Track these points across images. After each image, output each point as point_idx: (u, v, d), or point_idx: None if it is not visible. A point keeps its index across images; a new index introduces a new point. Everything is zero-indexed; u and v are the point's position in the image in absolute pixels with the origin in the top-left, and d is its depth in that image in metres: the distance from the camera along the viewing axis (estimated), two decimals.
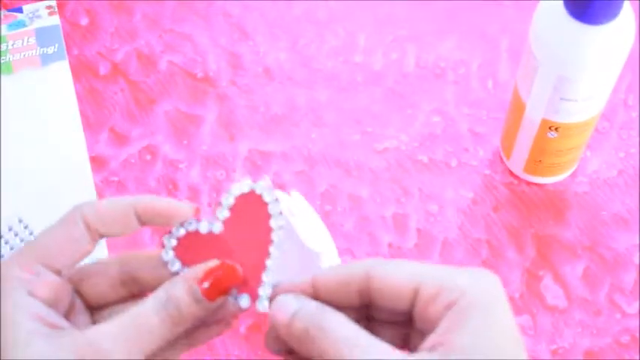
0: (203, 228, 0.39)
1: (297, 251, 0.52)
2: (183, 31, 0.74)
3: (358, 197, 0.66)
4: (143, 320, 0.36)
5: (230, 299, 0.39)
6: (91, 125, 0.69)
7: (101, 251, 0.64)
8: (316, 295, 0.38)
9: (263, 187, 0.40)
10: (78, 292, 0.40)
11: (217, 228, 0.40)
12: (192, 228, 0.39)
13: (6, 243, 0.64)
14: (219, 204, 0.40)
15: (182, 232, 0.39)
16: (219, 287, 0.38)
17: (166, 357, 0.40)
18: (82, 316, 0.39)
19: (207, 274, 0.38)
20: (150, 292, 0.39)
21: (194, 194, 0.66)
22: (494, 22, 0.74)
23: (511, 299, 0.62)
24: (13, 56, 0.72)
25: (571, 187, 0.66)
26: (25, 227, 0.65)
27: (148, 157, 0.68)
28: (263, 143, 0.68)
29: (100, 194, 0.66)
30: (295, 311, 0.36)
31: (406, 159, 0.68)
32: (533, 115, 0.59)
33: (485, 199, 0.66)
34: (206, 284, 0.38)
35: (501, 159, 0.67)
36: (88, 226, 0.38)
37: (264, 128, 0.69)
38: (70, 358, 0.35)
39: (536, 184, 0.66)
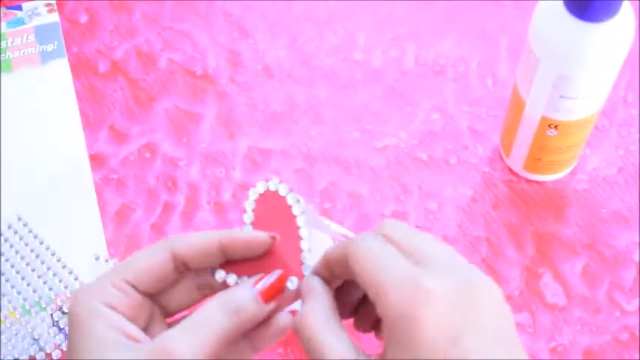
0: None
1: (324, 232, 0.55)
2: (182, 28, 0.74)
3: (358, 195, 0.66)
4: (209, 319, 0.40)
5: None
6: (90, 123, 0.69)
7: (102, 251, 0.64)
8: (331, 272, 0.42)
9: (275, 183, 0.44)
10: (156, 302, 0.44)
11: (248, 230, 0.44)
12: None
13: (5, 241, 0.64)
14: (244, 210, 0.44)
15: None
16: (274, 291, 0.43)
17: None
18: (160, 325, 0.44)
19: (269, 288, 0.42)
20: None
21: (193, 192, 0.66)
22: (493, 20, 0.74)
23: (510, 297, 0.62)
24: (13, 54, 0.72)
25: (571, 184, 0.66)
26: (25, 225, 0.65)
27: (148, 154, 0.68)
28: (262, 141, 0.68)
29: (100, 192, 0.66)
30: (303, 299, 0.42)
31: (405, 157, 0.68)
32: (533, 112, 0.59)
33: (485, 197, 0.66)
34: (267, 297, 0.42)
35: (501, 157, 0.67)
36: (174, 257, 0.43)
37: (264, 126, 0.69)
38: None
39: (535, 181, 0.66)
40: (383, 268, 0.38)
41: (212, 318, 0.41)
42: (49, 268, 0.63)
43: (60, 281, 0.62)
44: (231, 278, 0.43)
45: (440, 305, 0.37)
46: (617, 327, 0.61)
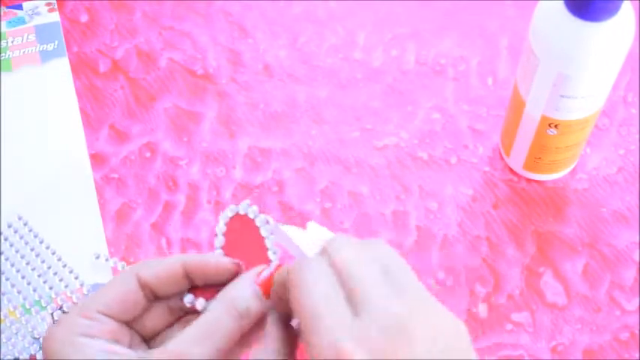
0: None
1: (293, 252, 0.55)
2: (183, 28, 0.74)
3: (358, 194, 0.66)
4: (216, 321, 0.41)
5: None
6: (90, 122, 0.69)
7: (102, 251, 0.64)
8: (279, 297, 0.42)
9: (245, 207, 0.45)
10: (131, 327, 0.44)
11: (218, 254, 0.45)
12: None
13: (6, 240, 0.64)
14: (215, 234, 0.45)
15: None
16: (270, 285, 0.43)
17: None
18: (142, 347, 0.44)
19: (268, 280, 0.42)
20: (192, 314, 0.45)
21: (194, 191, 0.66)
22: (494, 19, 0.74)
23: (511, 296, 0.62)
24: (13, 53, 0.72)
25: (571, 184, 0.66)
26: (25, 224, 0.65)
27: (148, 154, 0.68)
28: (263, 140, 0.68)
29: (100, 191, 0.66)
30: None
31: (406, 156, 0.68)
32: (533, 112, 0.59)
33: (485, 197, 0.66)
34: (266, 288, 0.42)
35: (501, 156, 0.67)
36: (142, 286, 0.43)
37: (264, 125, 0.69)
38: None
39: (535, 181, 0.66)
40: (315, 314, 0.37)
41: (218, 318, 0.41)
42: (49, 267, 0.63)
43: (60, 280, 0.62)
44: (200, 303, 0.43)
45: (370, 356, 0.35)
46: (617, 326, 0.61)
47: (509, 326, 0.61)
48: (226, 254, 0.45)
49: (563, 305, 0.62)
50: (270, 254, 0.44)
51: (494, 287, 0.62)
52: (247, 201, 0.45)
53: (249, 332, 0.44)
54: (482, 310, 0.62)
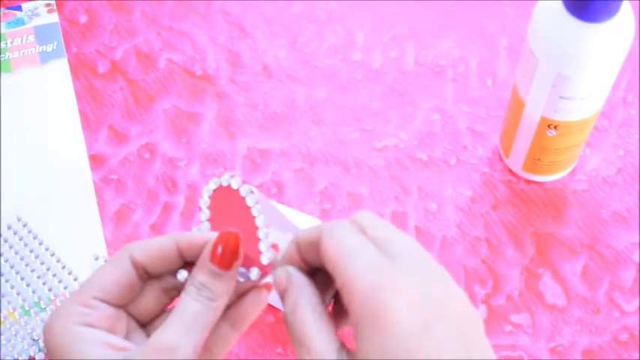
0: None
1: (280, 224, 0.55)
2: (182, 29, 0.74)
3: (357, 195, 0.66)
4: (187, 310, 0.41)
5: (241, 278, 0.43)
6: (90, 123, 0.69)
7: (101, 252, 0.64)
8: (302, 257, 0.42)
9: (227, 178, 0.44)
10: (127, 312, 0.44)
11: (205, 227, 0.44)
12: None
13: (5, 241, 0.64)
14: (200, 208, 0.44)
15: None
16: (228, 253, 0.42)
17: (220, 349, 0.44)
18: (139, 334, 0.44)
19: (214, 249, 0.42)
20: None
21: (193, 192, 0.66)
22: (493, 20, 0.74)
23: (510, 297, 0.62)
24: (12, 54, 0.72)
25: (570, 185, 0.66)
26: (24, 225, 0.65)
27: (147, 155, 0.68)
28: (262, 141, 0.68)
29: (99, 192, 0.66)
30: (285, 288, 0.41)
31: (405, 157, 0.68)
32: (532, 113, 0.59)
33: (484, 197, 0.66)
34: (217, 258, 0.42)
35: (500, 157, 0.67)
36: (135, 265, 0.43)
37: (263, 126, 0.69)
38: None
39: (535, 182, 0.66)
40: (352, 254, 0.38)
41: (190, 308, 0.41)
42: (48, 269, 0.63)
43: (59, 282, 0.62)
44: (181, 274, 0.43)
45: (409, 294, 0.36)
46: (616, 327, 0.61)
47: (508, 327, 0.61)
48: (213, 227, 0.45)
49: (562, 306, 0.62)
50: (257, 221, 0.43)
51: (494, 288, 0.62)
52: (228, 173, 0.45)
53: (228, 316, 0.44)
54: (481, 311, 0.62)
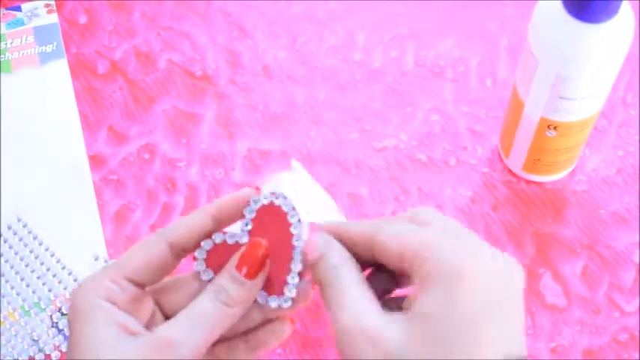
0: (229, 240, 0.43)
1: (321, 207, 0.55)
2: (181, 29, 0.74)
3: (357, 196, 0.66)
4: (201, 310, 0.41)
5: (261, 301, 0.43)
6: (89, 124, 0.69)
7: (101, 252, 0.64)
8: (350, 250, 0.42)
9: (281, 197, 0.44)
10: (158, 303, 0.44)
11: (244, 239, 0.43)
12: (219, 240, 0.43)
13: (5, 242, 0.64)
14: (243, 216, 0.44)
15: (210, 244, 0.43)
16: (254, 261, 0.42)
17: None
18: (160, 323, 0.44)
19: (242, 259, 0.42)
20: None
21: (193, 193, 0.66)
22: (493, 20, 0.74)
23: None
24: (12, 55, 0.72)
25: (570, 185, 0.66)
26: (24, 226, 0.65)
27: (147, 155, 0.68)
28: (262, 142, 0.68)
29: (99, 193, 0.66)
30: (320, 256, 0.41)
31: (405, 158, 0.68)
32: (532, 113, 0.59)
33: (484, 198, 0.66)
34: (243, 268, 0.42)
35: (500, 157, 0.67)
36: (171, 246, 0.43)
37: (263, 127, 0.69)
38: (142, 354, 0.40)
39: (535, 182, 0.66)
40: (421, 234, 0.39)
41: (204, 308, 0.41)
42: (48, 269, 0.63)
43: (59, 282, 0.62)
44: (208, 274, 0.43)
45: (487, 266, 0.38)
46: (616, 328, 0.61)
47: None
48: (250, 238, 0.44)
49: (562, 307, 0.62)
50: (294, 253, 0.43)
51: None
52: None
53: (248, 337, 0.44)
54: None
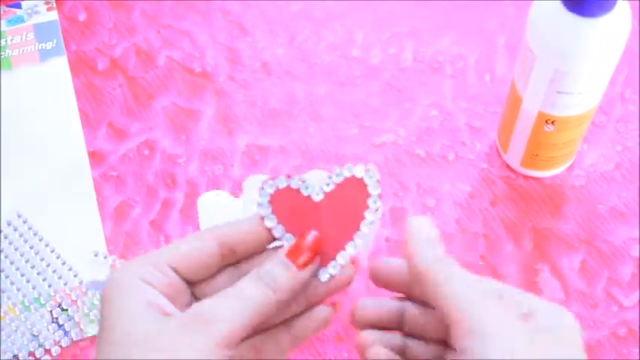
0: (294, 184, 0.43)
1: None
2: (181, 26, 0.74)
3: None
4: (240, 288, 0.41)
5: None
6: (89, 121, 0.69)
7: (101, 248, 0.64)
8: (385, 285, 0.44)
9: (372, 178, 0.42)
10: (195, 295, 0.44)
11: (318, 196, 0.43)
12: (282, 185, 0.43)
13: (5, 238, 0.64)
14: (330, 177, 0.43)
15: (273, 188, 0.43)
16: (307, 253, 0.42)
17: (271, 353, 0.44)
18: None
19: (295, 248, 0.42)
20: (245, 259, 0.44)
21: (192, 189, 0.66)
22: (491, 16, 0.74)
23: None
24: (12, 52, 0.72)
25: (568, 180, 0.66)
26: (24, 222, 0.65)
27: (147, 152, 0.68)
28: (261, 138, 0.69)
29: (99, 189, 0.66)
30: (427, 252, 0.41)
31: (403, 153, 0.68)
32: (530, 108, 0.59)
33: (483, 193, 0.66)
34: (296, 258, 0.42)
35: (498, 153, 0.67)
36: (221, 245, 0.43)
37: (262, 123, 0.69)
38: (181, 326, 0.39)
39: (533, 177, 0.66)
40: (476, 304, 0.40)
41: (246, 289, 0.41)
42: (48, 265, 0.63)
43: (59, 278, 0.62)
44: (271, 220, 0.43)
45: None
46: (615, 322, 0.61)
47: None
48: (324, 199, 0.43)
49: (560, 301, 0.62)
50: (355, 236, 0.42)
51: None
52: (374, 170, 0.43)
53: (290, 325, 0.44)
54: None
